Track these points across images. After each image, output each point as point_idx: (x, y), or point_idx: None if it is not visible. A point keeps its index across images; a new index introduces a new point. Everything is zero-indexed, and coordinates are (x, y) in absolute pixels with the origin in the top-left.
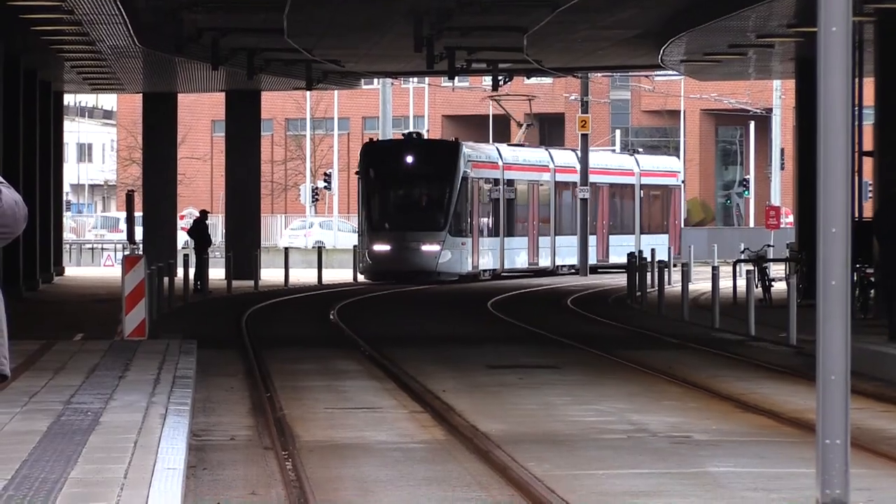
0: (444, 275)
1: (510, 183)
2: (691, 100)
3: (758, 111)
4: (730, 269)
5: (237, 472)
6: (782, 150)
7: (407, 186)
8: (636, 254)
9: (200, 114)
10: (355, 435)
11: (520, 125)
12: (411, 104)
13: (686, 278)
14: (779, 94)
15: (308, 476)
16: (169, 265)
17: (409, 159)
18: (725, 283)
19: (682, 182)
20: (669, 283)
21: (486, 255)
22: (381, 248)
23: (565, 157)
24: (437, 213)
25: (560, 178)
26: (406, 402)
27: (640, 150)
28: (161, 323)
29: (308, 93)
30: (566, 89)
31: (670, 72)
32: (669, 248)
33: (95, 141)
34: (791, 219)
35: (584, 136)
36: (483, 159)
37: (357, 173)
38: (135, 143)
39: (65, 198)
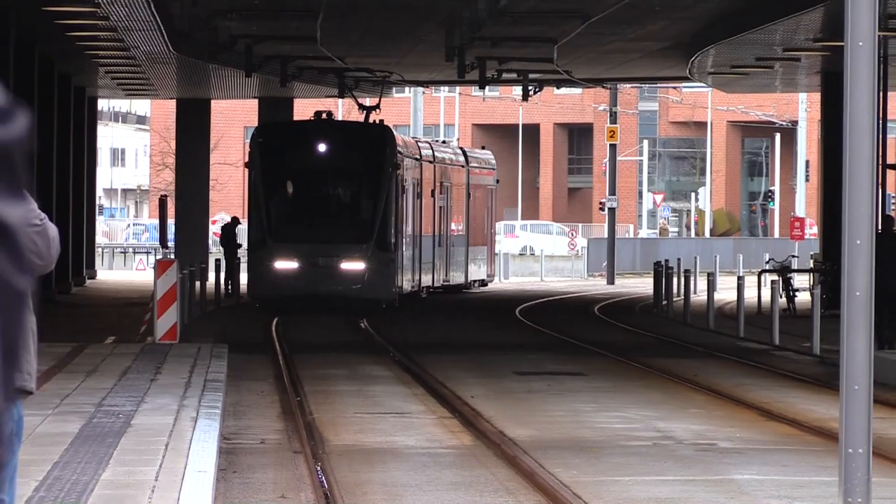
0: (368, 301)
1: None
2: (718, 111)
3: (783, 123)
4: (755, 279)
5: (267, 476)
6: (807, 162)
7: (320, 185)
8: (662, 262)
9: (233, 120)
10: (384, 439)
11: (361, 109)
12: (442, 113)
13: (712, 288)
14: (804, 107)
15: (337, 480)
16: (201, 269)
17: (323, 148)
18: (750, 293)
19: (497, 182)
20: (695, 293)
21: (408, 272)
22: (286, 265)
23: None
24: (361, 220)
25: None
26: (435, 408)
27: (447, 140)
28: (192, 326)
29: (340, 101)
30: (595, 100)
31: (698, 84)
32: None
33: (129, 146)
34: (815, 230)
35: (613, 147)
36: (409, 153)
37: (247, 165)
38: (168, 149)
39: (97, 202)
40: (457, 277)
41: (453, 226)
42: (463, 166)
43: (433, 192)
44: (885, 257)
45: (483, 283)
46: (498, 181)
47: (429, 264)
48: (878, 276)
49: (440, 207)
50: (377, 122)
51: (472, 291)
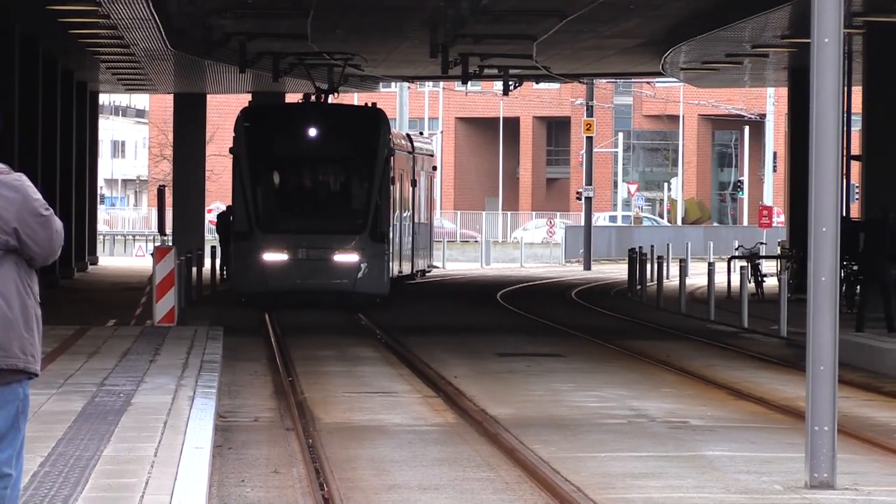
0: (361, 296)
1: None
2: (690, 105)
3: (752, 116)
4: (724, 265)
5: (261, 452)
6: (775, 154)
7: (310, 171)
8: (636, 249)
9: (228, 114)
10: (372, 418)
11: (319, 92)
12: (426, 106)
13: (684, 273)
14: (772, 101)
15: (327, 456)
16: (197, 256)
17: (313, 132)
18: (720, 279)
19: (435, 168)
20: (668, 278)
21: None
22: (275, 257)
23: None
24: (354, 209)
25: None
26: (420, 388)
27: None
28: (189, 310)
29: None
30: (572, 94)
31: (670, 79)
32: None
33: (128, 138)
34: (782, 218)
35: (589, 139)
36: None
37: (232, 150)
38: (166, 141)
39: (99, 191)
40: (406, 268)
41: (404, 214)
42: (410, 153)
43: (393, 179)
44: (880, 247)
45: (423, 273)
46: (435, 168)
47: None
48: (871, 264)
49: (397, 196)
50: (370, 104)
51: (444, 278)
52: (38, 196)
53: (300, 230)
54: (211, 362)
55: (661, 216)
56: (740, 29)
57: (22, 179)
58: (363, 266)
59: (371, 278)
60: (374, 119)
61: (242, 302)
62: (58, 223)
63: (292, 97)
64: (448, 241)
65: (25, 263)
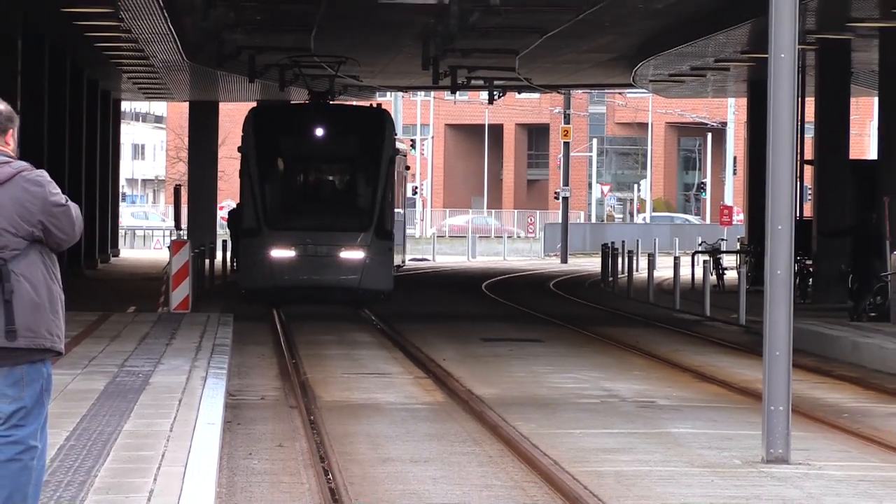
0: (367, 292)
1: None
2: (658, 114)
3: (714, 124)
4: (689, 259)
5: (267, 428)
6: (735, 158)
7: (318, 169)
8: (609, 244)
9: (238, 120)
10: (368, 396)
11: (312, 94)
12: (418, 114)
13: (652, 266)
14: (733, 111)
15: (327, 431)
16: (210, 249)
17: (321, 132)
18: (685, 272)
19: (407, 168)
20: (637, 270)
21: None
22: (282, 254)
23: None
24: (360, 206)
25: None
26: (412, 369)
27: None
28: (203, 298)
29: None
30: (551, 103)
31: (640, 90)
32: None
33: (148, 142)
34: (742, 217)
35: (566, 144)
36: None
37: (240, 149)
38: (182, 144)
39: (121, 190)
40: None
41: None
42: None
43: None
44: (864, 245)
45: (398, 268)
46: (409, 167)
47: None
48: (860, 260)
49: None
50: (374, 105)
51: (434, 270)
52: (57, 189)
53: (307, 227)
54: (222, 346)
55: (632, 214)
56: (704, 45)
57: (43, 175)
58: (369, 263)
59: (376, 275)
60: (380, 119)
61: (249, 297)
62: (75, 209)
63: None
64: (437, 236)
65: (49, 250)
